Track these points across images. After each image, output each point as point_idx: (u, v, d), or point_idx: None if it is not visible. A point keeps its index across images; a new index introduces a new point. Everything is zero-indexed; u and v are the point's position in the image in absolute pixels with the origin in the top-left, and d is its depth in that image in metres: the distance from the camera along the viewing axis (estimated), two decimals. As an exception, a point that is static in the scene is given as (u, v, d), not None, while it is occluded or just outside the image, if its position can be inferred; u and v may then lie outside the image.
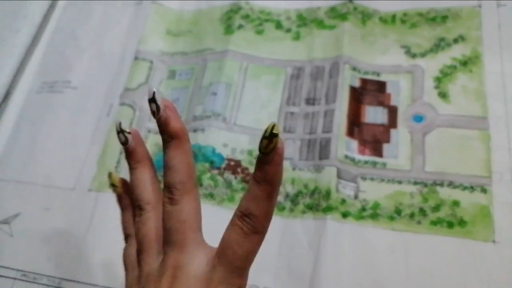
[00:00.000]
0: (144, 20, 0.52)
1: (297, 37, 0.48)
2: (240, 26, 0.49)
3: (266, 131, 0.21)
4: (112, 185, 0.30)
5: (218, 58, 0.48)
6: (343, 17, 0.47)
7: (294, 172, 0.42)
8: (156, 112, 0.24)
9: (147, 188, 0.27)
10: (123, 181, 0.30)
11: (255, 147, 0.43)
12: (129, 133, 0.27)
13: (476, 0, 0.45)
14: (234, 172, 0.42)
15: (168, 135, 0.24)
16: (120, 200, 0.30)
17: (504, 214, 0.36)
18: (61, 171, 0.45)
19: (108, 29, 0.53)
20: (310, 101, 0.44)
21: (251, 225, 0.23)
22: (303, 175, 0.41)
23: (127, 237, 0.29)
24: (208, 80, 0.47)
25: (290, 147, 0.43)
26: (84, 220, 0.42)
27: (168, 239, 0.24)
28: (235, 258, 0.23)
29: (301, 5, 0.50)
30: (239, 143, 0.43)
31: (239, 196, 0.41)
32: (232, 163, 0.43)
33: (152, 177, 0.27)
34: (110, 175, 0.30)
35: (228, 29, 0.50)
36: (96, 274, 0.39)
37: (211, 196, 0.41)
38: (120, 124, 0.27)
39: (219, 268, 0.23)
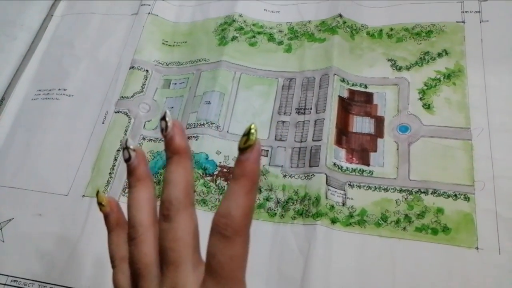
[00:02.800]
0: (140, 31, 0.53)
1: (288, 49, 0.50)
2: (234, 38, 0.51)
3: (245, 129, 0.22)
4: (99, 204, 0.28)
5: (212, 68, 0.49)
6: (333, 30, 0.49)
7: (285, 179, 0.43)
8: (164, 129, 0.25)
9: (143, 208, 0.26)
10: (112, 201, 0.29)
11: None
12: (133, 150, 0.27)
13: (460, 15, 0.47)
14: (227, 179, 0.43)
15: (171, 151, 0.24)
16: (107, 220, 0.28)
17: (487, 222, 0.37)
18: (55, 177, 0.46)
19: (105, 39, 0.54)
20: (301, 110, 0.46)
21: (231, 227, 0.21)
22: (293, 182, 0.42)
23: (114, 261, 0.27)
24: (202, 89, 0.48)
25: (281, 155, 0.44)
26: (77, 226, 0.42)
27: (164, 258, 0.23)
28: (220, 268, 0.22)
29: (293, 18, 0.52)
30: (231, 151, 0.45)
31: None
32: (225, 170, 0.44)
33: (150, 198, 0.26)
34: (97, 194, 0.29)
35: (222, 41, 0.51)
36: (88, 280, 0.40)
37: (204, 202, 0.42)
38: (126, 141, 0.27)
39: (208, 283, 0.22)
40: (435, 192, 0.39)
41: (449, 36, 0.46)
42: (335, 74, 0.46)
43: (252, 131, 0.22)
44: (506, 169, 0.39)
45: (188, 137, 0.45)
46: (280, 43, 0.50)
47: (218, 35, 0.52)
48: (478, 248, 0.36)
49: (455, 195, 0.38)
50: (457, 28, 0.46)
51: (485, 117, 0.41)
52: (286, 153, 0.44)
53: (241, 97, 0.47)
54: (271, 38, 0.51)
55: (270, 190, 0.42)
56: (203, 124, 0.45)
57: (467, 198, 0.38)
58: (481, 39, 0.45)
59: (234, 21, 0.52)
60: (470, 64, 0.44)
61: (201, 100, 0.47)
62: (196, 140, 0.45)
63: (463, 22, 0.47)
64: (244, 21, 0.52)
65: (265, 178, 0.43)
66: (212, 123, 0.46)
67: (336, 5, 0.50)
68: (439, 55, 0.45)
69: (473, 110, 0.42)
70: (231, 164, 0.44)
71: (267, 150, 0.45)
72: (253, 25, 0.52)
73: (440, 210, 0.38)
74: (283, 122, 0.46)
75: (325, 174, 0.41)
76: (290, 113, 0.46)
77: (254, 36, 0.51)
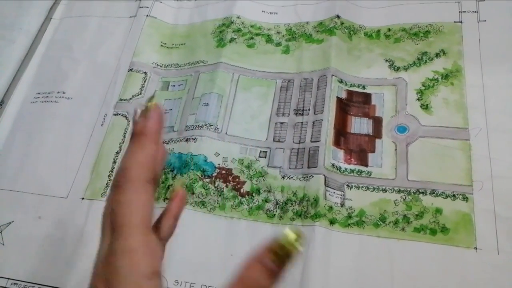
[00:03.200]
0: (139, 33, 0.53)
1: (286, 50, 0.50)
2: (232, 40, 0.51)
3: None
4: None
5: (210, 70, 0.49)
6: (330, 31, 0.49)
7: (283, 181, 0.43)
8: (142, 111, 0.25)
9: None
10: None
11: (246, 156, 0.44)
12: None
13: (457, 15, 0.47)
14: (226, 181, 0.43)
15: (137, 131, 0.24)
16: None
17: (486, 222, 0.37)
18: (55, 180, 0.46)
19: (103, 41, 0.54)
20: (299, 111, 0.46)
21: (123, 177, 0.23)
22: (292, 183, 0.42)
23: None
24: (201, 91, 0.48)
25: (279, 156, 0.44)
26: (76, 228, 0.43)
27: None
28: (113, 214, 0.23)
29: (291, 20, 0.52)
30: (230, 152, 0.45)
31: (230, 203, 0.42)
32: (224, 171, 0.44)
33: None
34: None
35: (220, 42, 0.51)
36: (87, 282, 0.40)
37: (202, 204, 0.42)
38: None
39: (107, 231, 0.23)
40: (434, 193, 0.39)
41: (446, 36, 0.46)
42: (333, 75, 0.46)
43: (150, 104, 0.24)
44: (504, 169, 0.39)
45: (187, 139, 0.45)
46: (278, 44, 0.50)
47: (216, 37, 0.52)
48: (476, 248, 0.36)
49: (454, 196, 0.38)
50: (454, 28, 0.46)
51: (483, 117, 0.41)
52: (284, 155, 0.44)
53: (240, 98, 0.47)
54: (269, 39, 0.51)
55: (269, 191, 0.42)
56: (201, 126, 0.46)
57: (465, 198, 0.38)
58: (478, 39, 0.45)
59: (232, 22, 0.52)
60: (468, 64, 0.44)
61: (199, 102, 0.47)
62: (195, 142, 0.45)
63: (461, 22, 0.47)
64: (242, 23, 0.52)
65: (264, 180, 0.43)
66: (211, 125, 0.46)
67: (334, 6, 0.50)
68: (437, 55, 0.45)
69: (471, 110, 0.42)
70: (230, 165, 0.44)
71: (266, 152, 0.45)
72: (251, 26, 0.52)
73: (438, 211, 0.38)
74: (282, 123, 0.46)
75: (324, 175, 0.41)
76: (289, 114, 0.46)
77: (252, 38, 0.51)
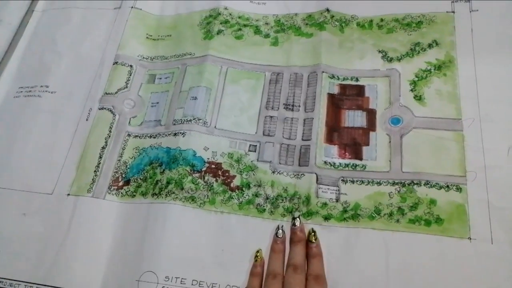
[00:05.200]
0: (124, 25, 0.52)
1: (275, 42, 0.49)
2: (220, 31, 0.50)
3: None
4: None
5: (198, 63, 0.48)
6: (320, 26, 0.48)
7: (273, 175, 0.42)
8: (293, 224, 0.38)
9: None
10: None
11: (235, 150, 0.43)
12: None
13: (449, 5, 0.46)
14: (215, 175, 0.42)
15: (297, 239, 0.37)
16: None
17: (479, 212, 0.37)
18: (39, 176, 0.45)
19: (87, 34, 0.53)
20: (289, 106, 0.45)
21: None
22: (282, 179, 0.41)
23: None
24: (188, 85, 0.47)
25: (269, 151, 0.43)
26: (62, 224, 0.41)
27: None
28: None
29: (279, 10, 0.51)
30: (219, 147, 0.43)
31: (220, 198, 0.41)
32: (213, 166, 0.43)
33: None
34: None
35: (208, 34, 0.50)
36: (74, 279, 0.39)
37: (192, 199, 0.41)
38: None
39: None
40: (428, 184, 0.39)
41: (439, 26, 0.45)
42: (323, 72, 0.45)
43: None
44: (497, 158, 0.38)
45: (175, 134, 0.44)
46: (267, 36, 0.49)
47: (204, 29, 0.51)
48: (470, 238, 0.36)
49: (447, 186, 0.38)
50: (447, 18, 0.46)
51: (476, 107, 0.41)
52: (274, 149, 0.43)
53: (228, 91, 0.46)
54: (257, 30, 0.50)
55: (259, 186, 0.41)
56: (190, 120, 0.44)
57: (459, 189, 0.38)
58: (471, 29, 0.44)
59: (219, 14, 0.51)
60: (461, 54, 0.43)
61: (187, 95, 0.46)
62: (183, 136, 0.44)
63: (453, 12, 0.46)
64: (230, 14, 0.51)
65: (254, 174, 0.42)
66: (199, 119, 0.44)
67: (324, -3, 0.49)
68: (430, 46, 0.45)
69: (464, 101, 0.41)
70: (219, 160, 0.43)
71: (255, 145, 0.44)
72: (239, 17, 0.51)
73: (433, 202, 0.38)
74: (271, 117, 0.45)
75: (315, 173, 0.41)
76: (278, 108, 0.45)
77: (240, 29, 0.50)
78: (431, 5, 0.47)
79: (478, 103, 0.41)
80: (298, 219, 0.38)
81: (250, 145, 0.44)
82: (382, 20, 0.48)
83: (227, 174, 0.42)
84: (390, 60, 0.45)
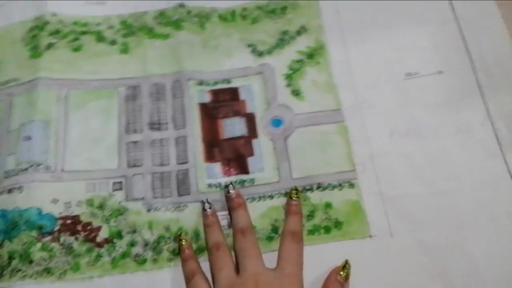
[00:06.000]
0: None
1: (125, 49, 0.41)
2: (51, 45, 0.41)
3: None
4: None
5: (26, 90, 0.39)
6: (176, 25, 0.42)
7: (150, 214, 0.35)
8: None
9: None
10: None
11: (95, 194, 0.36)
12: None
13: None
14: (74, 233, 0.34)
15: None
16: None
17: (375, 206, 0.36)
18: None
19: None
20: (155, 125, 0.38)
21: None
22: (161, 217, 0.35)
23: None
24: (18, 121, 0.38)
25: (139, 185, 0.36)
26: None
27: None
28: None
29: (124, 9, 0.43)
30: (73, 195, 0.36)
31: (85, 260, 0.34)
32: (69, 221, 0.35)
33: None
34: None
35: (35, 51, 0.41)
36: None
37: (47, 271, 0.33)
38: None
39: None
40: (320, 187, 0.36)
41: (304, 10, 0.43)
42: (189, 79, 0.40)
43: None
44: (381, 145, 0.37)
45: (9, 190, 0.36)
46: (113, 42, 0.41)
47: (29, 45, 0.41)
48: (371, 236, 0.35)
49: (340, 185, 0.36)
50: (311, 1, 0.43)
51: (354, 94, 0.39)
52: (145, 181, 0.36)
53: (74, 121, 0.38)
54: (100, 37, 0.42)
55: (134, 231, 0.35)
56: (26, 168, 0.36)
57: (351, 185, 0.36)
58: (337, 10, 0.42)
59: (47, 23, 0.42)
60: (330, 38, 0.41)
61: (18, 135, 0.37)
62: (21, 192, 0.35)
63: (317, -7, 0.43)
64: (61, 21, 0.42)
65: (124, 219, 0.35)
66: (39, 164, 0.36)
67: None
68: (298, 33, 0.42)
69: (341, 89, 0.40)
70: (76, 211, 0.35)
71: (120, 182, 0.36)
72: (74, 23, 0.42)
73: (328, 205, 0.36)
74: (135, 142, 0.38)
75: (201, 201, 0.36)
76: (142, 130, 0.38)
77: (77, 38, 0.41)
78: (289, -12, 0.43)
79: (355, 88, 0.39)
80: (231, 185, 0.36)
81: (113, 183, 0.36)
82: (244, 9, 0.43)
83: (89, 227, 0.35)
84: (260, 54, 0.41)
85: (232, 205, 0.35)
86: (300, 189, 0.36)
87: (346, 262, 0.33)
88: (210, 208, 0.35)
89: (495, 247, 0.33)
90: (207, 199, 0.35)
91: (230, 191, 0.35)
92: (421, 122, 0.38)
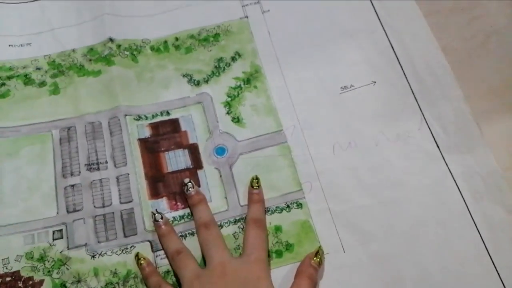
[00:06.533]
0: None
1: (55, 90, 0.39)
2: (-27, 93, 0.38)
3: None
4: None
5: (-52, 144, 0.36)
6: (107, 60, 0.41)
7: (94, 261, 0.34)
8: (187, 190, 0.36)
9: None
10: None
11: (34, 246, 0.34)
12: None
13: (241, 10, 0.43)
14: (14, 289, 0.32)
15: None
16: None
17: (324, 223, 0.35)
18: None
19: None
20: (93, 166, 0.37)
21: None
22: (107, 261, 0.34)
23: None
24: None
25: (81, 230, 0.35)
26: None
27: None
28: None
29: (51, 49, 0.41)
30: (10, 249, 0.34)
31: None
32: (8, 279, 0.32)
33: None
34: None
35: (-45, 101, 0.38)
36: None
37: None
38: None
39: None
40: (269, 210, 0.36)
41: (237, 36, 0.42)
42: (126, 115, 0.38)
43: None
44: (325, 161, 0.38)
45: None
46: (42, 84, 0.39)
47: None
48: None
49: (288, 206, 0.36)
50: (242, 24, 0.43)
51: (294, 114, 0.39)
52: (87, 226, 0.35)
53: (6, 170, 0.36)
54: (28, 80, 0.39)
55: (79, 281, 0.33)
56: None
57: (299, 205, 0.36)
58: (268, 31, 0.43)
59: None
60: (264, 61, 0.41)
61: None
62: None
63: (246, 17, 0.43)
64: None
65: (67, 268, 0.33)
66: None
67: (102, 24, 0.41)
68: (233, 59, 0.41)
69: (280, 110, 0.40)
70: (15, 267, 0.33)
71: (61, 230, 0.34)
72: None
73: (278, 228, 0.36)
74: (73, 186, 0.36)
75: (148, 241, 0.34)
76: (80, 172, 0.36)
77: (3, 84, 0.39)
78: (223, 14, 0.43)
79: (293, 108, 0.39)
80: (190, 183, 0.35)
81: (53, 231, 0.35)
82: (177, 39, 0.42)
83: (30, 282, 0.33)
84: (198, 83, 0.40)
85: (192, 202, 0.35)
86: (260, 177, 0.36)
87: (320, 248, 0.34)
88: (161, 218, 0.34)
89: (445, 250, 0.34)
90: (156, 210, 0.35)
91: (190, 189, 0.35)
92: (361, 133, 0.38)
